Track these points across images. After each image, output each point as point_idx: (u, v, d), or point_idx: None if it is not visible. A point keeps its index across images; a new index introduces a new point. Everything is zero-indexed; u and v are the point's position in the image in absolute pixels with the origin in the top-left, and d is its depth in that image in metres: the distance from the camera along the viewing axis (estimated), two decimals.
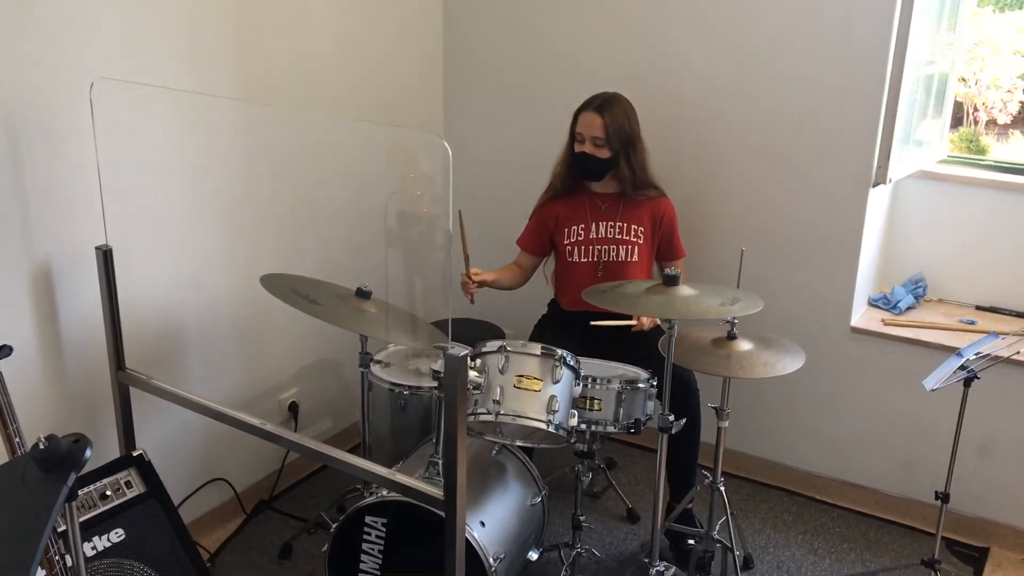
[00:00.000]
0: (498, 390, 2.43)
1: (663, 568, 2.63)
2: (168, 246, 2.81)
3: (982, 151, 3.66)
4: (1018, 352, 2.93)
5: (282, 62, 3.06)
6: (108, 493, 2.41)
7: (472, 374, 2.45)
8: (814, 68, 3.10)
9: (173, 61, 2.69)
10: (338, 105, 3.30)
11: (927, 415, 3.20)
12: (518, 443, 2.62)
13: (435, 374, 2.52)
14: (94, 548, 2.32)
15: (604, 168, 3.04)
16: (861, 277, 3.28)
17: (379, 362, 2.98)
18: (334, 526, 2.50)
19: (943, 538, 2.73)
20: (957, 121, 3.39)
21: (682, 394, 2.86)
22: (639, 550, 3.15)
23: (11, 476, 1.34)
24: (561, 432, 2.45)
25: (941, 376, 2.56)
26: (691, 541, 2.91)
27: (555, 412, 2.43)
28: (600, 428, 2.62)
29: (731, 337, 2.62)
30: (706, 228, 3.41)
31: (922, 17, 3.00)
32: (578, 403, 2.55)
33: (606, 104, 2.99)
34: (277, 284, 2.65)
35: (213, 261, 2.96)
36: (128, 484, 2.47)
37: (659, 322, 2.94)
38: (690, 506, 3.04)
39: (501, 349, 2.47)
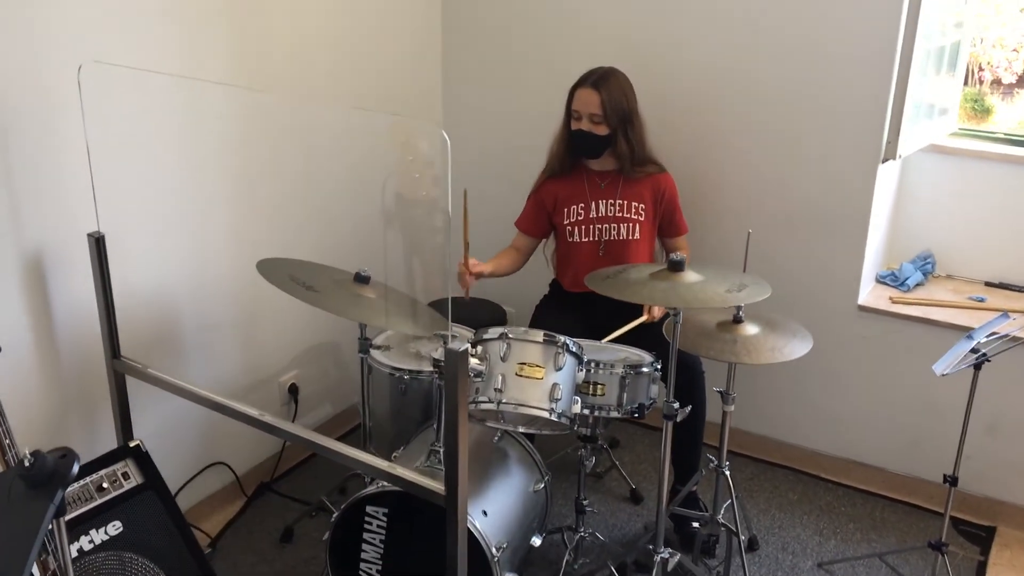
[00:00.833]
0: (500, 378, 2.38)
1: (667, 555, 2.61)
2: (163, 232, 2.75)
3: (987, 111, 3.60)
4: None
5: (277, 43, 2.98)
6: (105, 485, 2.38)
7: (473, 361, 2.40)
8: (821, 40, 3.02)
9: (165, 44, 2.62)
10: (334, 86, 3.23)
11: (934, 394, 3.16)
12: (520, 430, 2.58)
13: (435, 363, 2.47)
14: (91, 541, 2.29)
15: (602, 145, 2.97)
16: (869, 254, 3.22)
17: (379, 347, 2.94)
18: (334, 515, 2.47)
19: (950, 517, 2.70)
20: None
21: (687, 378, 2.83)
22: (643, 531, 3.13)
23: None
24: (564, 420, 2.41)
25: (951, 360, 2.51)
26: (695, 524, 2.88)
27: (558, 400, 2.38)
28: (603, 413, 2.58)
29: (737, 321, 2.57)
30: (709, 206, 3.35)
31: None
32: (581, 388, 2.51)
33: (602, 80, 2.92)
34: (273, 270, 2.59)
35: (209, 246, 2.90)
36: (125, 475, 2.44)
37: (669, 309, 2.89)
38: (695, 488, 3.01)
39: (503, 336, 2.42)
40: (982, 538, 3.14)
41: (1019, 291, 3.30)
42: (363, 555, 2.47)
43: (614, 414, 2.57)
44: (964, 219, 3.37)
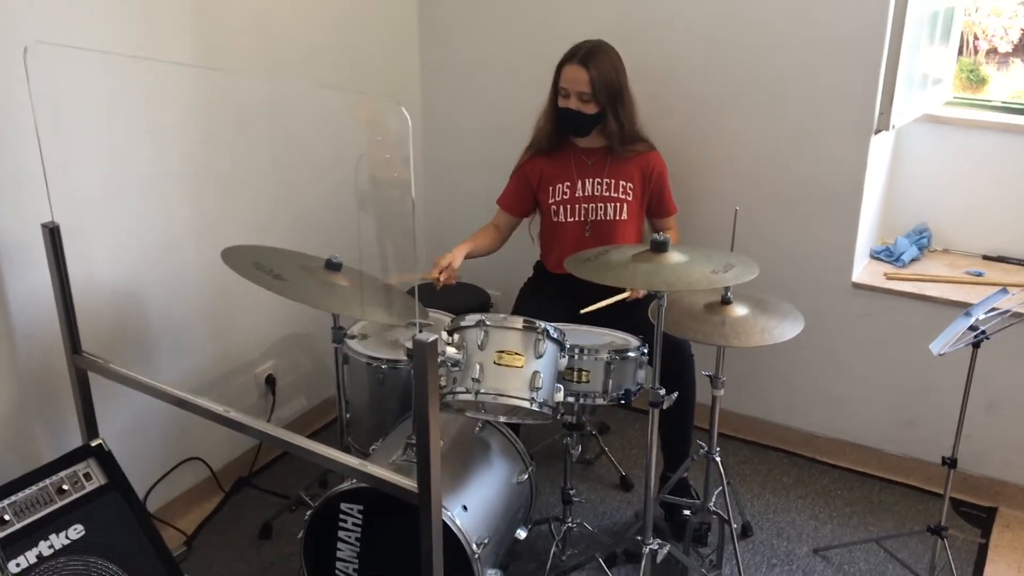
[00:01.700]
0: (477, 367, 2.27)
1: (656, 546, 2.51)
2: (125, 220, 2.63)
3: (982, 80, 3.50)
4: None
5: (241, 21, 2.84)
6: (65, 487, 2.27)
7: (450, 350, 2.30)
8: (810, 7, 2.90)
9: (119, 21, 2.48)
10: (306, 66, 3.10)
11: (932, 372, 3.06)
12: (501, 419, 2.48)
13: (409, 352, 2.37)
14: (51, 547, 2.18)
15: (591, 124, 2.86)
16: (863, 229, 3.12)
17: (355, 336, 2.83)
18: (307, 513, 2.37)
19: (949, 498, 2.61)
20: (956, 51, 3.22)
21: (676, 362, 2.73)
22: (634, 520, 3.04)
23: None
24: (545, 410, 2.31)
25: (949, 339, 2.41)
26: (687, 512, 2.79)
27: (539, 389, 2.28)
28: (588, 401, 2.48)
29: (725, 302, 2.47)
30: (697, 183, 3.23)
31: None
32: (564, 375, 2.40)
33: (591, 55, 2.79)
34: (239, 258, 2.47)
35: (174, 234, 2.78)
36: (87, 476, 2.32)
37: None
38: (685, 475, 2.91)
39: (480, 324, 2.31)
40: (982, 519, 3.05)
41: (1018, 264, 3.20)
42: (339, 554, 2.37)
43: (599, 401, 2.47)
44: (960, 191, 3.26)
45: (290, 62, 3.05)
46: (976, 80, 3.61)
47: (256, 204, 3.03)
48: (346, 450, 2.79)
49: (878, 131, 2.96)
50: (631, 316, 2.72)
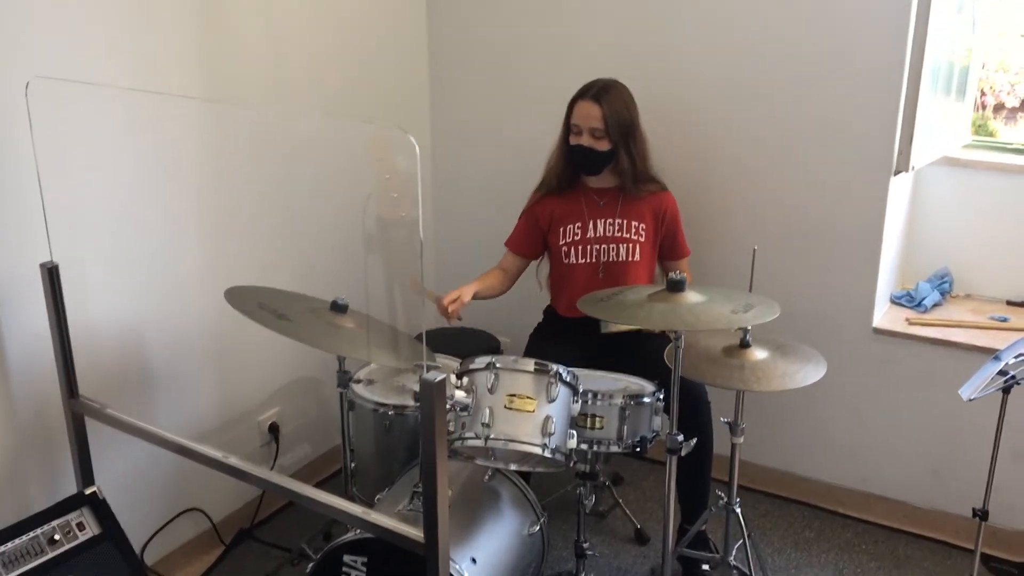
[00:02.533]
0: (487, 412, 2.19)
1: None
2: (126, 260, 2.57)
3: (990, 135, 3.47)
4: None
5: (249, 55, 2.81)
6: (57, 537, 2.18)
7: (459, 394, 2.21)
8: (828, 45, 2.86)
9: (125, 57, 2.45)
10: (314, 105, 3.06)
11: (959, 420, 2.96)
12: (512, 467, 2.38)
13: (416, 396, 2.28)
14: None
15: (604, 161, 2.81)
16: (883, 273, 3.03)
17: (361, 380, 2.75)
18: (309, 566, 2.26)
19: (980, 553, 2.49)
20: None
21: (692, 408, 2.63)
22: (650, 575, 2.91)
23: None
24: (558, 456, 2.22)
25: (978, 384, 2.31)
26: (705, 567, 2.68)
27: (551, 434, 2.19)
28: (603, 448, 2.39)
29: (744, 345, 2.38)
30: (712, 224, 3.16)
31: None
32: (577, 421, 2.31)
33: (603, 92, 2.76)
34: (243, 298, 2.41)
35: (176, 275, 2.72)
36: (80, 526, 2.24)
37: None
38: (703, 528, 2.80)
39: (490, 366, 2.23)
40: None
41: None
42: None
43: (614, 448, 2.38)
44: (981, 235, 3.18)
45: (298, 99, 3.01)
46: (985, 134, 3.58)
47: (261, 245, 2.97)
48: (350, 499, 2.69)
49: (897, 172, 2.89)
50: (646, 360, 2.63)
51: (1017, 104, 3.52)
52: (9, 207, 2.25)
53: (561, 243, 2.90)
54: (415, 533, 1.83)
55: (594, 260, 2.89)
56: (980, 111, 3.42)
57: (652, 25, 3.12)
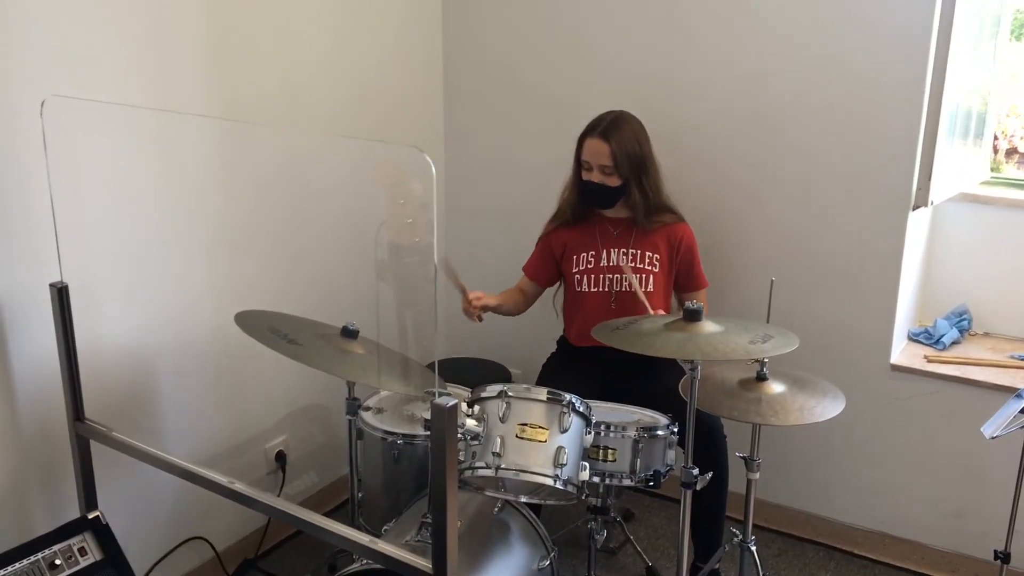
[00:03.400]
0: (498, 441, 2.15)
1: None
2: (136, 282, 2.55)
3: None
4: None
5: (262, 77, 2.81)
6: (58, 562, 2.13)
7: (470, 423, 2.17)
8: (847, 79, 2.84)
9: (138, 76, 2.45)
10: (328, 126, 3.06)
11: (979, 459, 2.89)
12: (523, 499, 2.33)
13: (426, 423, 2.24)
14: None
15: (615, 196, 2.79)
16: (901, 309, 2.99)
17: (371, 408, 2.71)
18: None
19: None
20: None
21: (707, 442, 2.59)
22: None
23: None
24: (570, 488, 2.17)
25: (1001, 422, 2.26)
26: None
27: (563, 465, 2.14)
28: (615, 481, 2.34)
29: (761, 378, 2.34)
30: (728, 256, 3.13)
31: (962, 31, 2.75)
32: (590, 453, 2.27)
33: (611, 128, 2.74)
34: (253, 322, 2.39)
35: (187, 297, 2.70)
36: (82, 551, 2.19)
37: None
38: (717, 566, 2.74)
39: (502, 394, 2.19)
40: None
41: None
42: None
43: (627, 482, 2.33)
44: (1001, 273, 3.14)
45: (311, 125, 3.00)
46: (995, 182, 3.57)
47: (272, 270, 2.95)
48: (357, 529, 2.64)
49: (916, 207, 2.86)
50: (659, 393, 2.59)
51: None
52: (20, 226, 2.23)
53: (574, 271, 2.88)
54: (423, 564, 1.78)
55: (606, 289, 2.86)
56: (993, 155, 3.41)
57: (669, 57, 3.11)
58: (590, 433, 2.25)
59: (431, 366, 2.45)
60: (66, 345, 2.27)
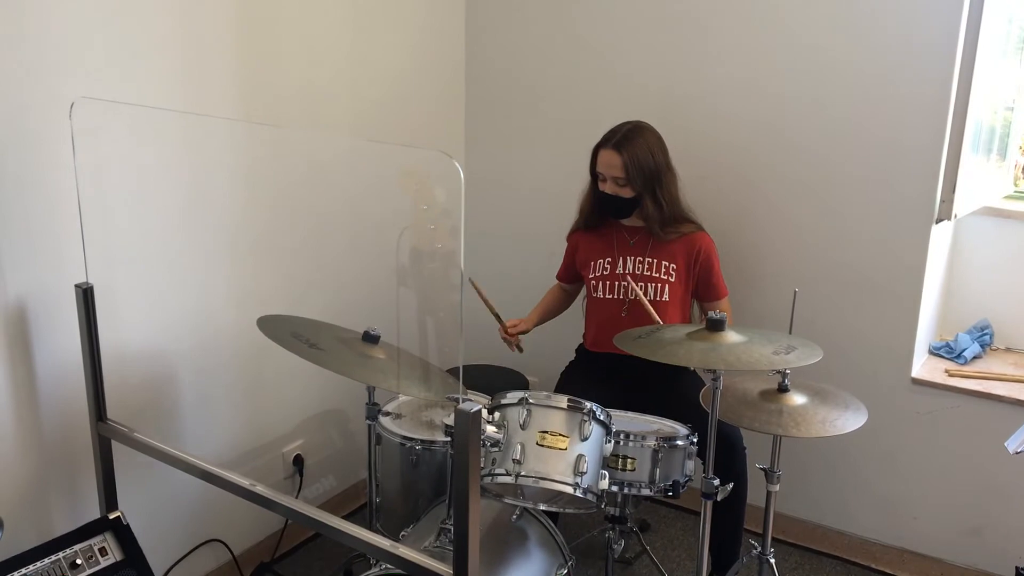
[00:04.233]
0: (519, 448, 2.14)
1: None
2: (160, 284, 2.56)
3: (1022, 196, 3.43)
4: None
5: (286, 83, 2.83)
6: (79, 562, 2.14)
7: (490, 429, 2.17)
8: (873, 92, 2.83)
9: (165, 80, 2.47)
10: (349, 131, 3.07)
11: (999, 475, 2.87)
12: (541, 507, 2.32)
13: (447, 429, 2.25)
14: None
15: (629, 208, 2.80)
16: (923, 323, 2.97)
17: (389, 413, 2.71)
18: None
19: None
20: None
21: (727, 453, 2.58)
22: None
23: None
24: (590, 496, 2.16)
25: None
26: None
27: (583, 474, 2.14)
28: (634, 490, 2.33)
29: (783, 390, 2.33)
30: (749, 267, 3.12)
31: (988, 45, 2.74)
32: (609, 462, 2.27)
33: (625, 140, 2.74)
34: (276, 327, 2.40)
35: (209, 300, 2.71)
36: (103, 551, 2.20)
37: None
38: None
39: (523, 401, 2.19)
40: None
41: None
42: None
43: (645, 492, 2.33)
44: None
45: (333, 131, 3.02)
46: (1017, 196, 3.54)
47: (294, 273, 2.96)
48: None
49: (939, 220, 2.85)
50: (680, 404, 2.59)
51: None
52: (46, 228, 2.25)
53: (591, 276, 2.90)
54: (444, 568, 1.78)
55: (620, 297, 2.85)
56: (1013, 170, 3.39)
57: (692, 67, 3.11)
58: (610, 442, 2.25)
59: (452, 371, 2.45)
60: (90, 345, 2.28)
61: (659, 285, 2.83)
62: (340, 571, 2.91)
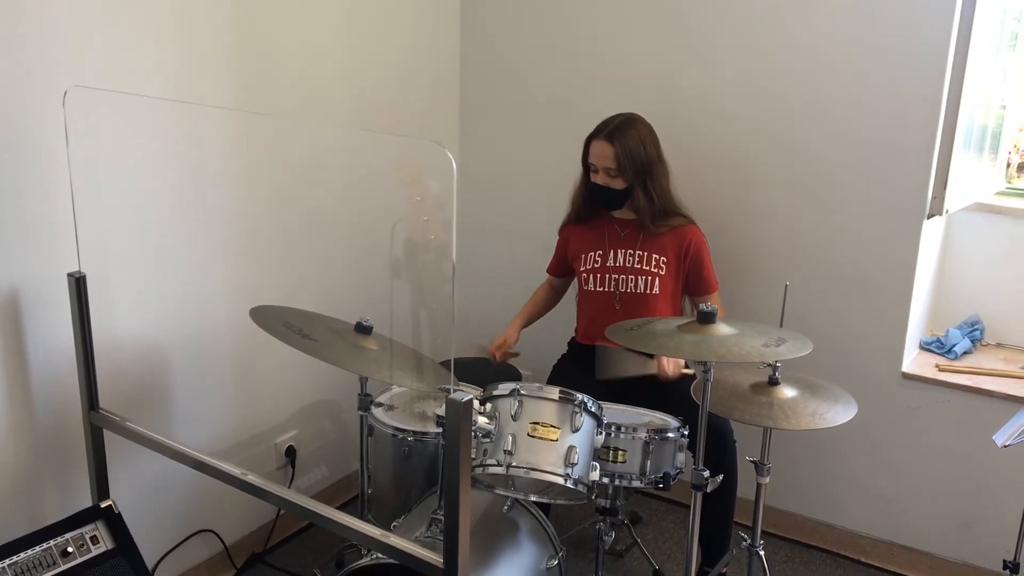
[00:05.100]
0: (510, 439, 2.15)
1: None
2: (153, 273, 2.56)
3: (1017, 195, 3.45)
4: None
5: (282, 73, 2.83)
6: (70, 550, 2.15)
7: (481, 420, 2.18)
8: (866, 88, 2.84)
9: (160, 69, 2.47)
10: (344, 123, 3.08)
11: (988, 469, 2.89)
12: (532, 498, 2.33)
13: (439, 420, 2.25)
14: None
15: (620, 199, 2.81)
16: (913, 318, 2.99)
17: (382, 405, 2.72)
18: None
19: None
20: None
21: (717, 446, 2.59)
22: None
23: None
24: (580, 487, 2.17)
25: (1013, 430, 2.26)
26: None
27: (574, 465, 2.15)
28: (625, 482, 2.34)
29: (773, 383, 2.34)
30: (741, 262, 3.14)
31: (980, 43, 2.75)
32: (600, 454, 2.27)
33: (617, 131, 2.74)
34: (268, 317, 2.40)
35: (202, 290, 2.71)
36: (94, 539, 2.20)
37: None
38: (724, 570, 2.74)
39: (514, 392, 2.20)
40: None
41: None
42: None
43: (636, 483, 2.34)
44: (1014, 283, 3.13)
45: (327, 122, 3.02)
46: (1010, 192, 3.56)
47: (287, 265, 2.97)
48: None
49: (930, 216, 2.86)
50: (671, 396, 2.60)
51: None
52: (39, 216, 2.25)
53: (581, 269, 2.91)
54: (434, 558, 1.79)
55: (611, 290, 2.86)
56: (1005, 170, 3.40)
57: (687, 61, 3.12)
58: (601, 433, 2.26)
59: (445, 364, 2.46)
60: (83, 335, 2.28)
61: (649, 278, 2.84)
62: (332, 561, 2.92)
